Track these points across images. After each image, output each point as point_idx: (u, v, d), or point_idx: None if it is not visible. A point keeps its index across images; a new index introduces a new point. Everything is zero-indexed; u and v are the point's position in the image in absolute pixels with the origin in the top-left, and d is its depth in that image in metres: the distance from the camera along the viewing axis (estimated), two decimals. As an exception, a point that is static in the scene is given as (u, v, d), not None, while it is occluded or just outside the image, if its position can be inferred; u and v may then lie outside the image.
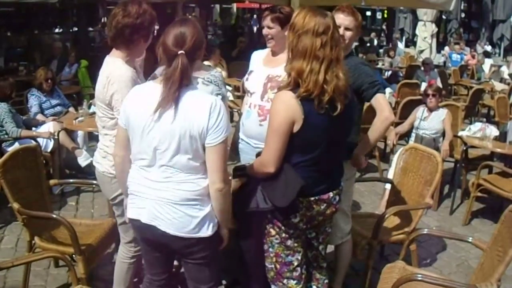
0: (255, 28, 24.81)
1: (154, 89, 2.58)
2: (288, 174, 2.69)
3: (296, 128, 2.63)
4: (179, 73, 2.50)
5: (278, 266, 2.98)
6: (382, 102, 3.35)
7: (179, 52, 2.52)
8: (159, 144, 2.56)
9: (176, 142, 2.54)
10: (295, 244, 2.92)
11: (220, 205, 2.66)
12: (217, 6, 33.37)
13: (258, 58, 3.74)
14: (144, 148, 2.61)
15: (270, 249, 2.98)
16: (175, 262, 3.43)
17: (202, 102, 2.55)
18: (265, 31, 3.54)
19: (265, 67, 3.59)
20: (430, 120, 6.30)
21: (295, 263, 2.96)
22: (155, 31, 3.25)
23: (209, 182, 2.61)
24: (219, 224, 2.74)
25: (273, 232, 2.92)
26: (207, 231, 2.66)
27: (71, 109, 7.46)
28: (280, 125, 2.63)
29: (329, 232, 3.12)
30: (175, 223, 2.61)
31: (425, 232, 3.94)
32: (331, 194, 2.86)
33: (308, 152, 2.72)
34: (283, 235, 2.89)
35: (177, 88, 2.51)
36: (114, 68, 3.13)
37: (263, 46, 3.73)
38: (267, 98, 3.41)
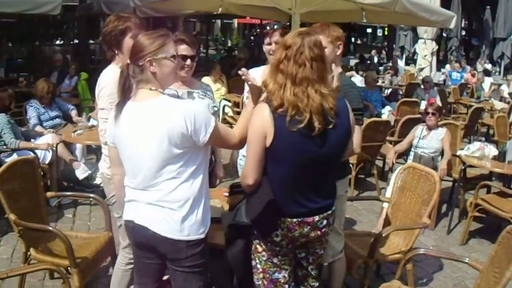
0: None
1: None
2: (263, 189, 2.70)
3: (268, 141, 2.64)
4: None
5: (265, 282, 2.95)
6: (356, 134, 3.32)
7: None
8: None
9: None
10: (282, 262, 2.91)
11: None
12: (218, 22, 33.55)
13: (255, 76, 3.70)
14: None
15: (258, 265, 2.96)
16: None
17: None
18: (273, 47, 3.51)
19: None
20: (429, 139, 6.29)
21: (282, 281, 2.94)
22: None
23: None
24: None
25: (259, 248, 2.91)
26: (197, 234, 2.67)
27: (74, 112, 7.47)
28: (253, 136, 2.65)
29: (320, 253, 3.06)
30: (165, 224, 2.62)
31: (421, 251, 3.94)
32: (316, 217, 2.81)
33: (280, 168, 2.70)
34: (269, 252, 2.88)
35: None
36: (105, 71, 3.31)
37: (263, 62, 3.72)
38: None
